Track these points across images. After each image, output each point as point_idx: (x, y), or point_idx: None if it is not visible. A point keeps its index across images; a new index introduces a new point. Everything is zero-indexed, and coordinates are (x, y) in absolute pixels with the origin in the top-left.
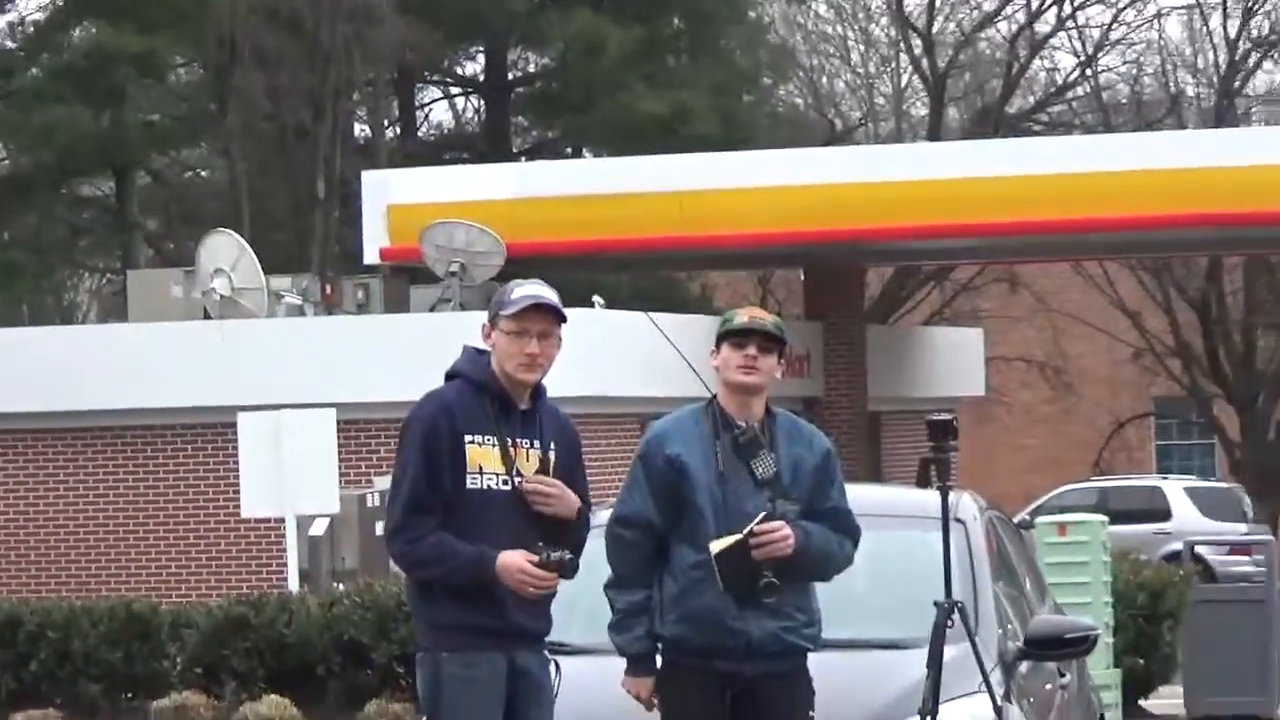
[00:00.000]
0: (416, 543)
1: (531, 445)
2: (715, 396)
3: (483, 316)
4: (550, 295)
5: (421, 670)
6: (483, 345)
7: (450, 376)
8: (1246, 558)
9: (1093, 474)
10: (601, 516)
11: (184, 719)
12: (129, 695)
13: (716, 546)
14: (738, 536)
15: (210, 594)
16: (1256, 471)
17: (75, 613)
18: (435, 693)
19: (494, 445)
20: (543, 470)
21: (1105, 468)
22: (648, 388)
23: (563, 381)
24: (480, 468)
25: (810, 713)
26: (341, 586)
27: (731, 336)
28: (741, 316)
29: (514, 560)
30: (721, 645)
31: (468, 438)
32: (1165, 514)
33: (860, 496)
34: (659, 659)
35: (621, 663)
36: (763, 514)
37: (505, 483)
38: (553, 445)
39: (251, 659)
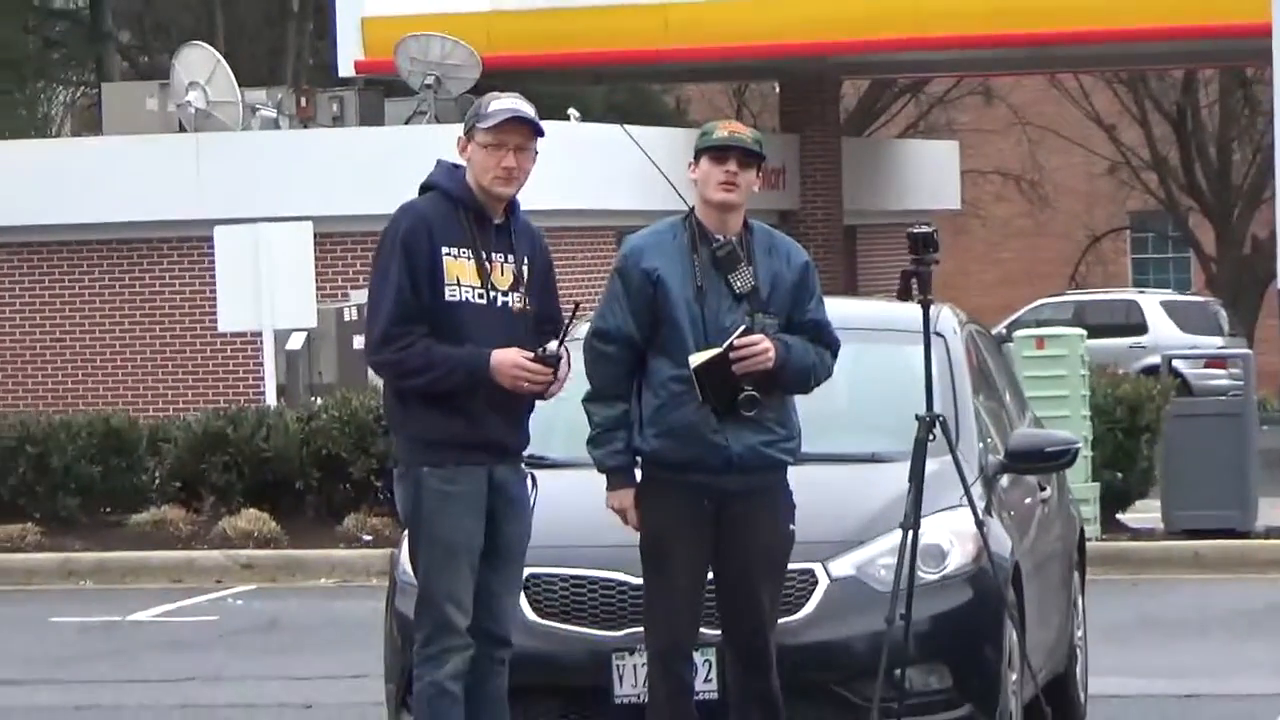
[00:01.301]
0: (406, 350)
1: (506, 260)
2: (693, 210)
3: (458, 130)
4: (527, 109)
5: (400, 485)
6: (458, 160)
7: (424, 189)
8: (1223, 371)
9: (1068, 288)
10: (578, 331)
11: (162, 533)
12: (107, 510)
13: (696, 360)
14: (718, 350)
15: (188, 409)
16: (1232, 285)
17: (53, 427)
18: (415, 507)
19: (469, 259)
20: (516, 283)
21: (1081, 281)
22: (623, 201)
23: (538, 194)
24: (458, 280)
25: (790, 526)
26: (319, 401)
27: (711, 151)
28: (721, 131)
29: (509, 356)
30: (701, 459)
31: (444, 250)
32: (1141, 328)
33: (840, 310)
34: (638, 473)
35: (600, 478)
36: (742, 327)
37: (481, 296)
38: (526, 259)
39: (230, 473)
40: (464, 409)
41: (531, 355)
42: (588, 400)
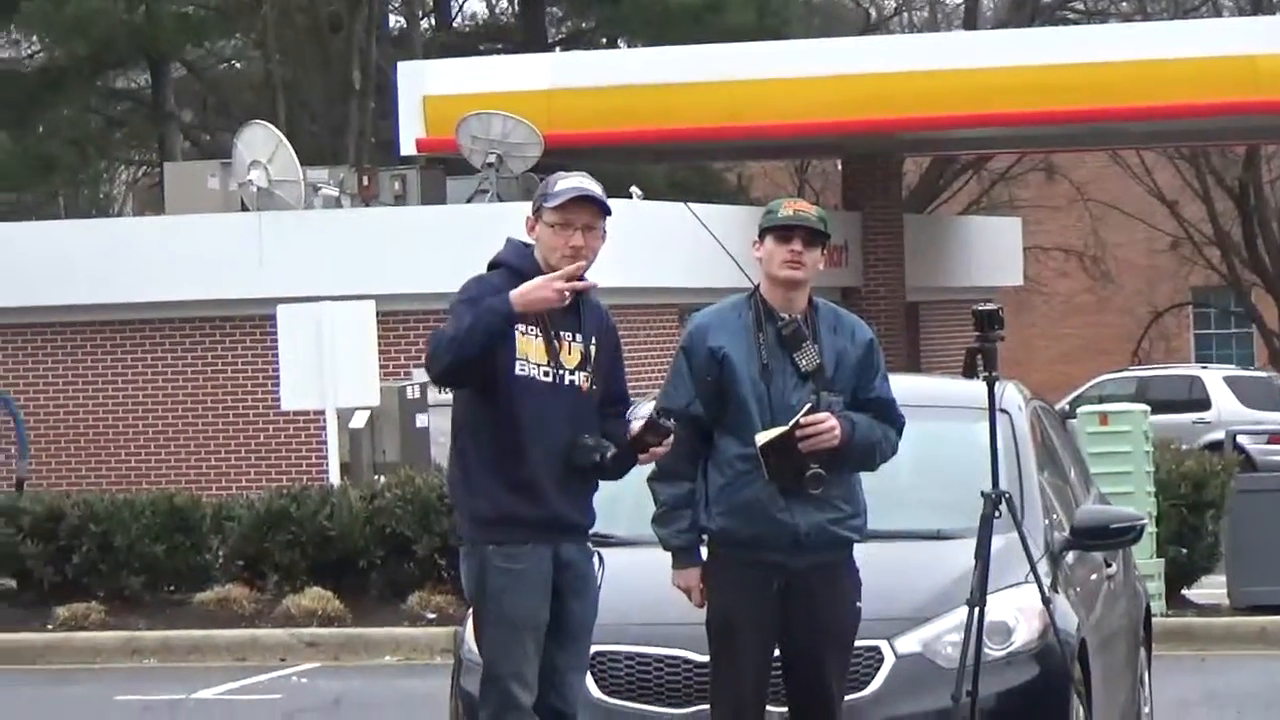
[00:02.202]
0: (434, 337)
1: (574, 338)
2: (758, 287)
3: (519, 208)
4: (594, 187)
5: (466, 563)
6: (527, 238)
7: (493, 266)
8: None
9: (1131, 363)
10: (643, 409)
11: (226, 611)
12: (171, 588)
13: (763, 438)
14: (784, 428)
15: (251, 487)
16: None
17: (118, 506)
18: (480, 585)
19: (538, 336)
20: (583, 362)
21: (1143, 357)
22: (686, 279)
23: (602, 272)
24: (526, 356)
25: (857, 603)
26: (382, 479)
27: (776, 230)
28: (786, 209)
29: (535, 282)
30: (769, 537)
31: (516, 326)
32: (1204, 403)
33: (905, 387)
34: (704, 552)
35: (665, 556)
36: (808, 405)
37: (548, 374)
38: (594, 338)
39: (293, 551)
40: (529, 487)
41: (645, 422)
42: (653, 479)
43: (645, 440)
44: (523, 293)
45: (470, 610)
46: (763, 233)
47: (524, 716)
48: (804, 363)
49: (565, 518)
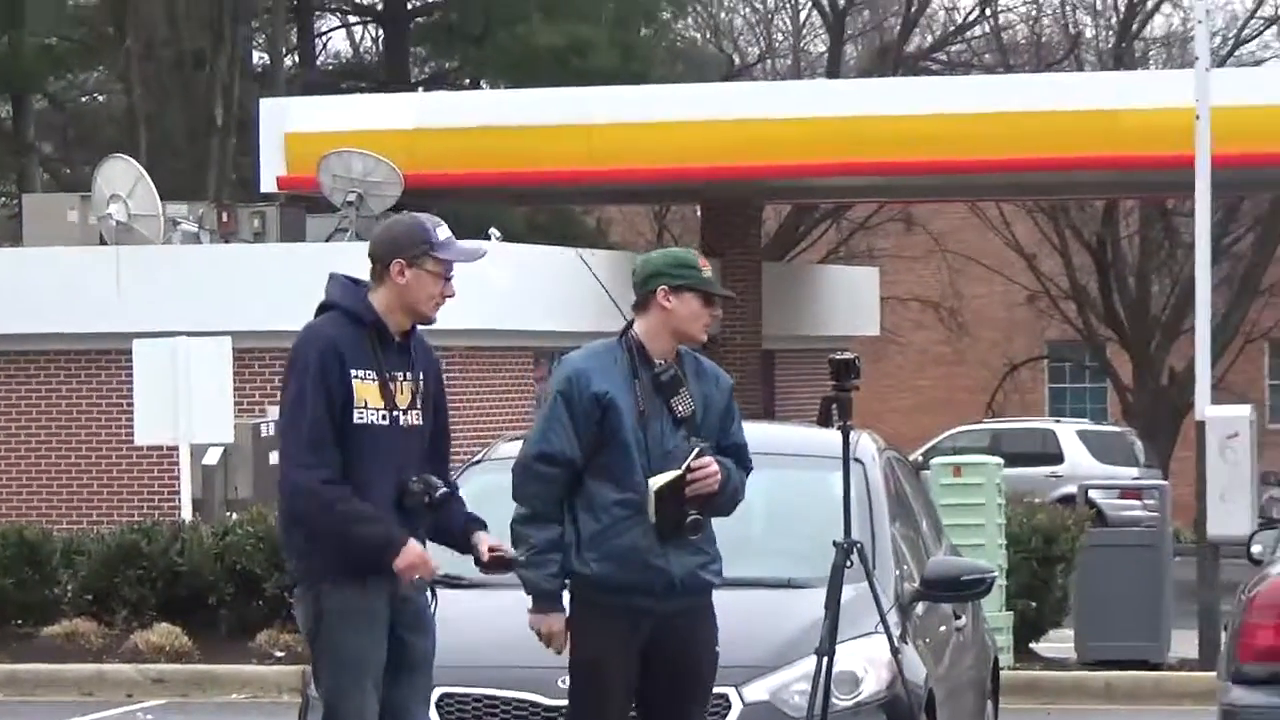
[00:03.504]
0: (329, 485)
1: (405, 377)
2: (627, 332)
3: None
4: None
5: (302, 601)
6: (352, 275)
7: (323, 308)
8: (1138, 502)
9: (985, 416)
10: (502, 450)
11: (75, 646)
12: (19, 622)
13: (657, 483)
14: (676, 473)
15: (103, 521)
16: (1148, 416)
17: None
18: (316, 624)
19: (374, 380)
20: (414, 400)
21: (998, 410)
22: (541, 322)
23: (459, 314)
24: (365, 403)
25: (716, 648)
26: (234, 516)
27: (702, 292)
28: (707, 270)
29: (417, 552)
30: (644, 583)
31: (353, 372)
32: (1057, 457)
33: (761, 435)
34: (575, 588)
35: (515, 597)
36: (696, 450)
37: (384, 417)
38: (422, 375)
39: (143, 587)
40: None
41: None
42: (521, 523)
43: (490, 568)
44: (405, 554)
45: (310, 648)
46: (684, 288)
47: None
48: (681, 409)
49: None
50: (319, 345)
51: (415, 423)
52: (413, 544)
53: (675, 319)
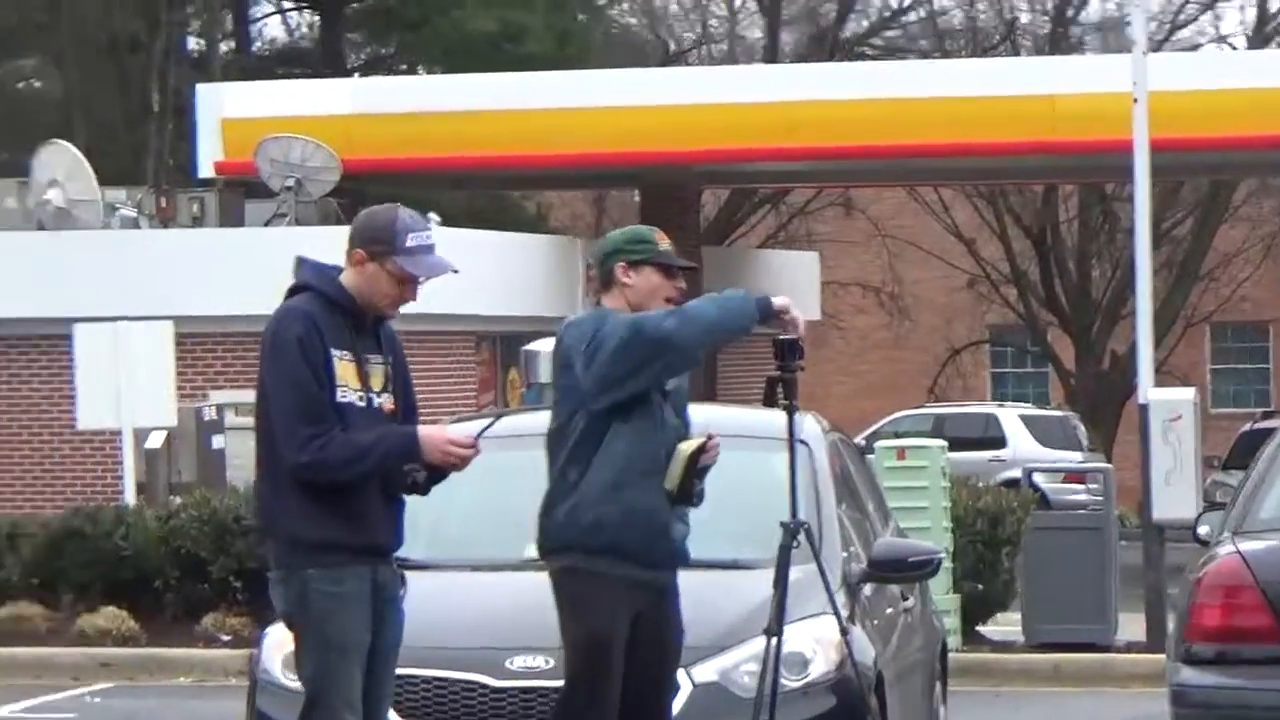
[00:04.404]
0: (327, 446)
1: (377, 361)
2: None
3: (317, 232)
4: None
5: (285, 588)
6: (321, 260)
7: (297, 289)
8: (1081, 485)
9: (927, 400)
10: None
11: (21, 630)
12: None
13: (689, 447)
14: (700, 441)
15: (46, 507)
16: (1090, 400)
17: None
18: (303, 609)
19: (351, 360)
20: (386, 383)
21: (940, 394)
22: (482, 306)
23: None
24: (346, 383)
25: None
26: (178, 499)
27: (663, 264)
28: (665, 243)
29: (437, 433)
30: (655, 548)
31: (333, 351)
32: (1000, 441)
33: (705, 416)
34: (576, 559)
35: (465, 578)
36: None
37: (361, 399)
38: (392, 358)
39: (88, 571)
40: (350, 511)
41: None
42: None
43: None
44: (428, 442)
45: (265, 632)
46: (638, 262)
47: None
48: (670, 383)
49: (384, 542)
50: (301, 323)
51: (389, 406)
52: (428, 431)
53: (636, 294)
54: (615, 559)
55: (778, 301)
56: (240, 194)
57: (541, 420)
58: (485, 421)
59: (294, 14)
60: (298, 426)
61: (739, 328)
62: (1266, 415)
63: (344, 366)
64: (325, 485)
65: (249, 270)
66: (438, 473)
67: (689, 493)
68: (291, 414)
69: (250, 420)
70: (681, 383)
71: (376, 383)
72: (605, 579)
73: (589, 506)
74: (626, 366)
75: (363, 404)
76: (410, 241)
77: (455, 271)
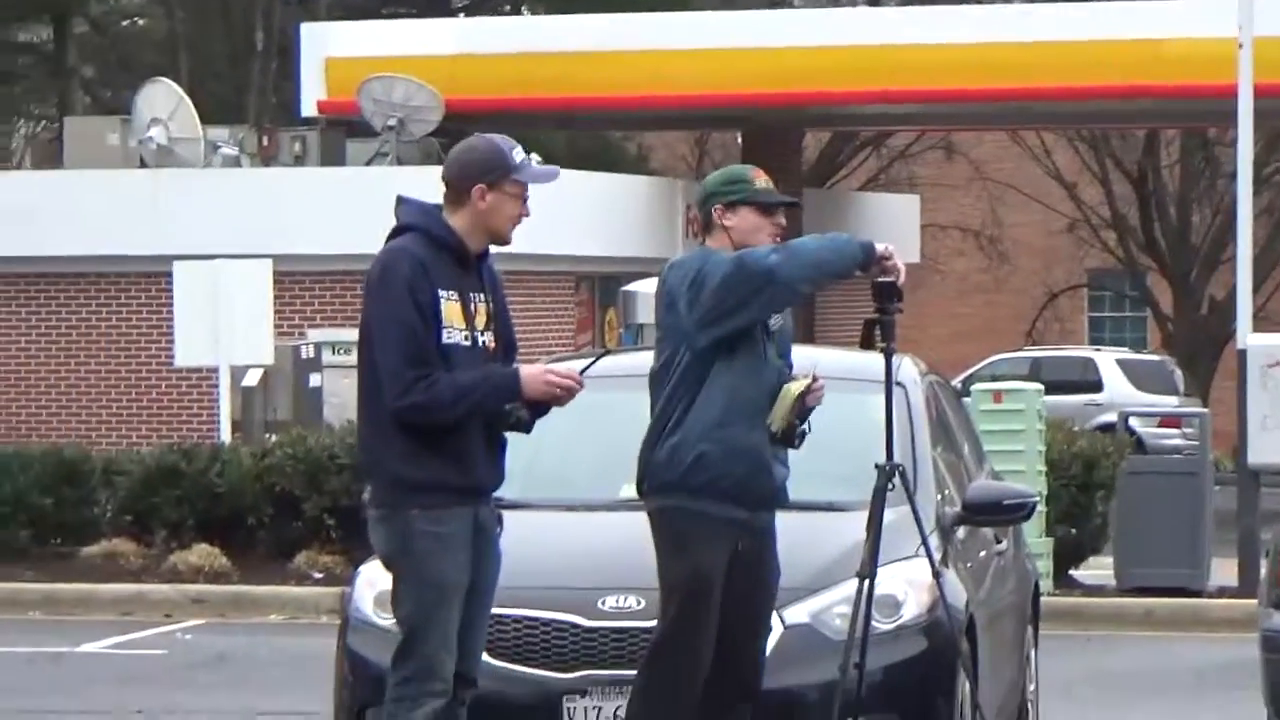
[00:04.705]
0: (431, 388)
1: (481, 299)
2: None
3: (418, 171)
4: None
5: (387, 527)
6: (422, 200)
7: (401, 230)
8: (1177, 430)
9: (1025, 344)
10: (571, 364)
11: (113, 566)
12: (58, 540)
13: (797, 388)
14: (807, 381)
15: (142, 442)
16: (1188, 345)
17: (7, 457)
18: (405, 548)
19: (457, 300)
20: (489, 321)
21: (1038, 338)
22: (583, 247)
23: None
24: (451, 323)
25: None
26: (273, 437)
27: (758, 204)
28: (762, 180)
29: (537, 371)
30: (756, 486)
31: (440, 292)
32: (1097, 385)
33: (802, 357)
34: (678, 499)
35: (557, 518)
36: (814, 366)
37: (467, 338)
38: (493, 297)
39: (182, 508)
40: (453, 451)
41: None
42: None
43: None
44: (529, 381)
45: (357, 571)
46: (738, 202)
47: (441, 684)
48: (773, 323)
49: (486, 482)
50: (408, 262)
51: (491, 344)
52: (529, 370)
53: (736, 234)
54: (716, 498)
55: (880, 247)
56: (343, 133)
57: (642, 360)
58: (586, 360)
59: None
60: (403, 368)
61: (842, 269)
62: None
63: (450, 306)
64: (428, 426)
65: (350, 209)
66: (541, 409)
67: (792, 434)
68: (397, 355)
69: (348, 359)
70: (786, 323)
71: (481, 321)
72: (706, 518)
73: (692, 444)
74: (730, 301)
75: (468, 344)
76: (517, 158)
77: (558, 173)
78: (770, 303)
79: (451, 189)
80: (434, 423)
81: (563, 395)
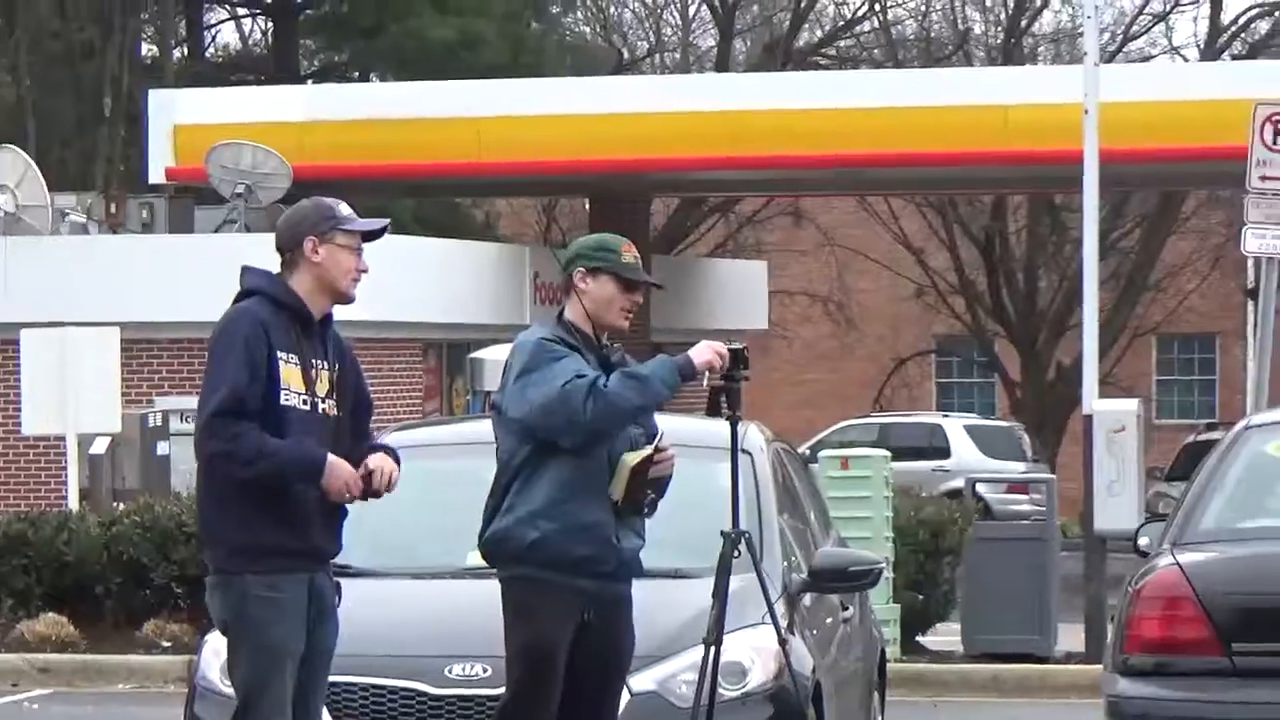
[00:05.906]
0: (239, 438)
1: (323, 366)
2: (563, 317)
3: (267, 238)
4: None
5: (223, 593)
6: (265, 268)
7: (246, 294)
8: (1025, 496)
9: (873, 410)
10: (395, 438)
11: None
12: None
13: (634, 459)
14: (647, 451)
15: None
16: (1036, 411)
17: None
18: (239, 614)
19: (296, 364)
20: (331, 389)
21: (886, 404)
22: (429, 314)
23: (345, 306)
24: (290, 385)
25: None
26: (121, 506)
27: (622, 277)
28: (630, 255)
29: (346, 468)
30: (600, 561)
31: (279, 354)
32: (945, 451)
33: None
34: (525, 569)
35: (402, 585)
36: (660, 433)
37: (305, 402)
38: (338, 364)
39: (29, 576)
40: (289, 517)
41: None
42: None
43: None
44: (333, 472)
45: (205, 640)
46: (597, 270)
47: None
48: None
49: (323, 548)
50: (247, 322)
51: (332, 412)
52: (338, 462)
53: (592, 301)
54: (560, 571)
55: (699, 360)
56: (191, 200)
57: (483, 428)
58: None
59: (248, 20)
60: (214, 417)
61: (663, 399)
62: (1210, 427)
63: (289, 370)
64: (233, 482)
65: (197, 277)
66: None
67: (638, 503)
68: (216, 405)
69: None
70: None
71: (322, 388)
72: (551, 586)
73: (530, 521)
74: (542, 426)
75: (306, 407)
76: (343, 210)
77: (389, 221)
78: (587, 439)
79: (284, 250)
80: (233, 476)
81: (351, 499)
